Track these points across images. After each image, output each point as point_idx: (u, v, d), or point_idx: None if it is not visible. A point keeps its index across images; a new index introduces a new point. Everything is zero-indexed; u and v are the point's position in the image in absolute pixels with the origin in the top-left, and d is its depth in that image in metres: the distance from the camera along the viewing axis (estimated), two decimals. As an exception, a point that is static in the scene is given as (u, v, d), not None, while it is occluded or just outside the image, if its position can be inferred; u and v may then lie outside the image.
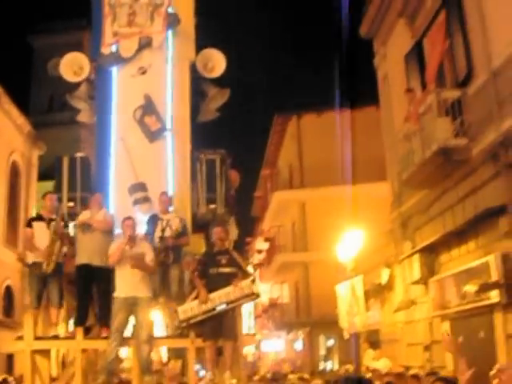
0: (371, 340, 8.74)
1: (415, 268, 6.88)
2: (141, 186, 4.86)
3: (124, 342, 4.29)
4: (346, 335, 8.97)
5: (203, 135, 5.78)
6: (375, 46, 8.88)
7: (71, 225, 4.76)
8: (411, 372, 5.77)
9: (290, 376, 8.76)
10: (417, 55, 7.24)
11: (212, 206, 4.97)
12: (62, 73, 5.50)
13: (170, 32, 5.37)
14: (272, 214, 17.86)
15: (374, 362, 7.65)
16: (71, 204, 4.95)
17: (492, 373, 4.42)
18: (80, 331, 4.36)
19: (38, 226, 4.50)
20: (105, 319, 4.32)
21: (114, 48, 5.38)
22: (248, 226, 23.38)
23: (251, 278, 4.28)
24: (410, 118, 6.54)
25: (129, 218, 4.38)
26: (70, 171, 5.09)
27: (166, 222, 4.57)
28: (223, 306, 4.12)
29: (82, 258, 4.46)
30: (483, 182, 5.48)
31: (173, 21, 5.35)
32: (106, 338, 4.25)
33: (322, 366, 14.45)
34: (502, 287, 5.05)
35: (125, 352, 4.95)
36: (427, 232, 6.83)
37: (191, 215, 5.05)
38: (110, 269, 4.32)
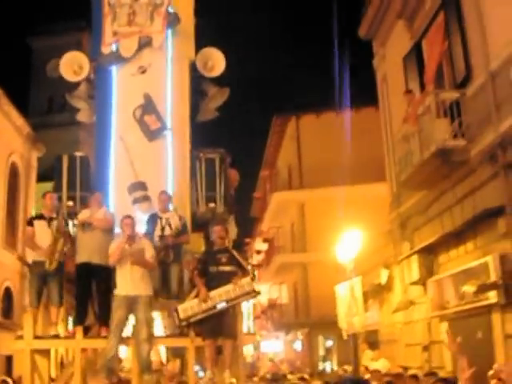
0: (370, 340, 8.74)
1: (414, 268, 6.89)
2: (140, 185, 4.87)
3: (123, 340, 4.29)
4: (345, 336, 8.98)
5: (203, 135, 5.79)
6: (374, 47, 8.92)
7: (71, 224, 4.75)
8: (410, 372, 5.78)
9: (290, 376, 8.76)
10: (415, 56, 7.27)
11: (211, 205, 4.98)
12: (61, 72, 5.50)
13: (169, 31, 5.37)
14: (271, 215, 17.87)
15: (373, 362, 7.66)
16: (71, 203, 4.95)
17: (490, 373, 4.44)
18: (80, 330, 4.35)
19: (39, 225, 4.50)
20: (104, 318, 4.30)
21: (113, 47, 5.39)
22: (247, 227, 23.40)
23: (251, 275, 4.28)
24: (408, 119, 6.57)
25: (127, 216, 4.38)
26: (70, 170, 5.09)
27: (166, 221, 4.57)
28: (223, 304, 4.12)
29: (82, 257, 4.46)
30: (481, 182, 5.51)
31: (173, 20, 5.36)
32: (105, 337, 4.25)
33: (320, 366, 14.44)
34: (500, 288, 5.07)
35: (124, 353, 4.93)
36: (426, 233, 6.85)
37: (191, 214, 5.05)
38: (110, 267, 4.32)
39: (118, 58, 5.37)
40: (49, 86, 21.35)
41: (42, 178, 15.00)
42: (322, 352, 15.32)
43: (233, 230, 5.14)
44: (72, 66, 5.57)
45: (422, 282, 6.79)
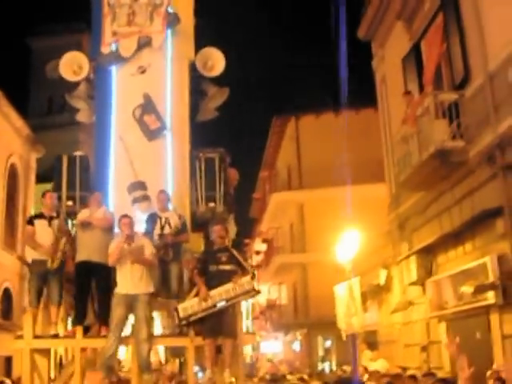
0: (369, 341, 8.76)
1: (412, 269, 6.91)
2: (140, 185, 4.87)
3: (123, 340, 4.28)
4: (344, 336, 8.98)
5: (202, 135, 5.80)
6: (373, 48, 8.95)
7: (70, 223, 4.76)
8: (408, 373, 5.80)
9: (289, 377, 8.77)
10: (414, 57, 7.29)
11: (211, 205, 4.99)
12: (61, 72, 5.50)
13: (169, 31, 5.38)
14: (270, 216, 17.88)
15: (372, 362, 7.68)
16: (70, 203, 4.95)
17: (488, 373, 4.46)
18: (79, 330, 4.35)
19: (40, 224, 4.49)
20: (104, 317, 4.30)
21: (113, 47, 5.40)
22: (246, 227, 23.41)
23: (251, 274, 4.28)
24: (407, 120, 6.59)
25: (125, 216, 4.38)
26: (70, 170, 5.09)
27: (165, 220, 4.57)
28: (223, 303, 4.12)
29: (81, 255, 4.46)
30: (480, 183, 5.53)
31: (172, 20, 5.36)
32: (105, 336, 4.24)
33: (319, 366, 14.44)
34: (498, 288, 5.09)
35: (124, 353, 4.94)
36: (424, 233, 6.87)
37: (190, 214, 5.05)
38: (110, 266, 4.32)
39: (117, 57, 5.38)
40: (48, 87, 21.38)
41: (41, 179, 14.99)
42: (321, 352, 15.32)
43: (232, 230, 5.15)
44: (72, 66, 5.57)
45: (420, 282, 6.81)
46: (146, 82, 5.26)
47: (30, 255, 4.53)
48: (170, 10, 5.41)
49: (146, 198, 4.81)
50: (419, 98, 6.67)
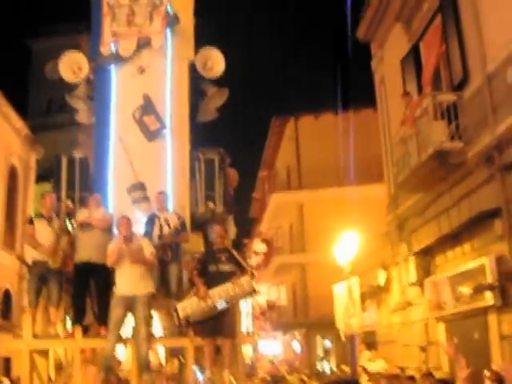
0: (368, 341, 8.77)
1: (411, 270, 6.93)
2: (140, 186, 4.89)
3: (122, 340, 4.29)
4: (343, 337, 9.00)
5: (202, 135, 5.81)
6: (372, 49, 8.96)
7: (69, 224, 4.76)
8: (407, 373, 5.81)
9: (289, 377, 8.78)
10: (413, 59, 7.31)
11: (211, 205, 5.00)
12: (60, 73, 5.51)
13: (169, 32, 5.38)
14: (270, 216, 17.90)
15: (371, 362, 7.69)
16: (69, 203, 4.96)
17: (486, 374, 4.48)
18: (79, 330, 4.36)
19: (40, 224, 4.51)
20: (103, 317, 4.31)
21: (112, 48, 5.40)
22: (246, 228, 23.41)
23: (251, 274, 4.29)
24: (406, 122, 6.61)
25: (123, 217, 4.38)
26: (69, 171, 5.11)
27: (164, 220, 4.58)
28: (223, 303, 4.12)
29: (81, 256, 4.47)
30: (478, 184, 5.54)
31: (172, 20, 5.37)
32: (104, 336, 4.25)
33: (319, 367, 14.45)
34: (497, 289, 5.11)
35: (123, 353, 4.94)
36: (423, 234, 6.89)
37: (190, 214, 5.07)
38: (109, 266, 4.33)
39: (117, 58, 5.39)
40: (47, 88, 21.36)
41: (40, 179, 15.00)
42: (320, 352, 15.33)
43: (232, 230, 5.16)
44: (71, 66, 5.58)
45: (419, 283, 6.82)
46: (146, 82, 5.27)
47: (30, 256, 4.54)
48: (170, 11, 5.42)
49: (145, 198, 4.83)
50: (418, 99, 6.69)
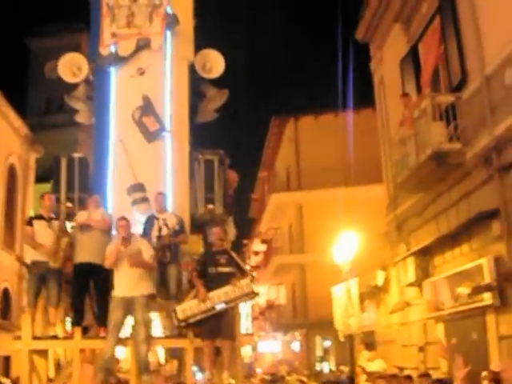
0: (367, 341, 8.79)
1: (410, 270, 6.95)
2: (139, 187, 4.89)
3: (122, 341, 4.30)
4: (341, 337, 9.02)
5: (201, 135, 5.82)
6: (372, 50, 8.98)
7: (69, 225, 4.77)
8: (405, 373, 5.83)
9: (288, 378, 8.80)
10: (412, 60, 7.33)
11: (210, 206, 5.00)
12: (60, 73, 5.51)
13: (168, 32, 5.38)
14: (269, 216, 17.91)
15: (369, 363, 7.71)
16: (69, 204, 4.97)
17: (484, 374, 4.50)
18: (78, 331, 4.37)
19: (39, 225, 4.51)
20: (103, 319, 4.32)
21: (112, 49, 5.41)
22: (245, 228, 23.44)
23: (250, 276, 4.31)
24: (404, 122, 6.63)
25: (122, 218, 4.39)
26: (68, 171, 5.11)
27: (163, 221, 4.58)
28: (222, 305, 4.13)
29: (80, 257, 4.47)
30: (476, 185, 5.57)
31: (171, 21, 5.37)
32: (104, 337, 4.26)
33: (318, 367, 14.47)
34: (495, 289, 5.13)
35: (122, 353, 4.95)
36: (422, 235, 6.91)
37: (189, 215, 5.06)
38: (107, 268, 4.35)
39: (116, 59, 5.39)
40: (47, 87, 21.36)
41: (40, 179, 15.01)
42: (319, 353, 15.35)
43: (231, 232, 5.16)
44: (70, 67, 5.58)
45: (417, 283, 6.84)
46: (145, 83, 5.27)
47: (29, 256, 4.55)
48: (170, 12, 5.43)
49: (144, 199, 4.83)
50: (416, 100, 6.71)
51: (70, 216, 4.84)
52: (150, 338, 4.26)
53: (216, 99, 5.71)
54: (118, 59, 5.40)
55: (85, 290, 4.48)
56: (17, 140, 14.98)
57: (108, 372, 4.19)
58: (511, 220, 5.02)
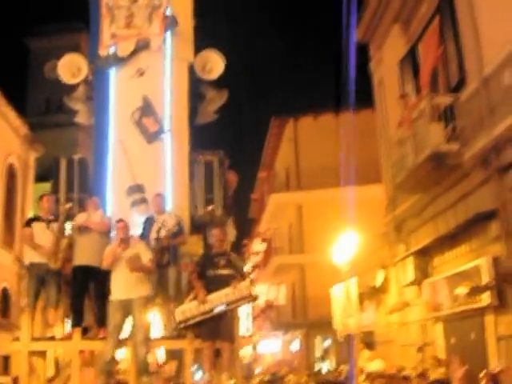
0: (366, 341, 8.81)
1: (409, 270, 6.96)
2: (138, 188, 4.90)
3: (121, 343, 4.31)
4: (340, 337, 9.03)
5: (200, 136, 5.82)
6: (371, 51, 8.98)
7: (68, 226, 4.78)
8: (403, 373, 5.85)
9: (288, 378, 8.81)
10: (411, 60, 7.34)
11: (210, 208, 5.01)
12: (59, 74, 5.52)
13: (168, 33, 5.38)
14: (269, 216, 17.92)
15: (369, 362, 7.73)
16: (68, 205, 4.98)
17: (481, 374, 4.51)
18: (77, 332, 4.38)
19: (38, 227, 4.52)
20: (102, 320, 4.33)
21: (111, 50, 5.42)
22: (245, 228, 23.46)
23: (249, 279, 4.31)
24: (403, 123, 6.64)
25: (121, 220, 4.40)
26: (68, 172, 5.12)
27: (161, 223, 4.59)
28: (221, 308, 4.14)
29: (78, 259, 4.48)
30: (475, 186, 5.58)
31: (171, 22, 5.37)
32: (103, 338, 4.27)
33: (318, 366, 14.49)
34: (493, 290, 5.14)
35: (121, 353, 4.96)
36: (421, 235, 6.92)
37: (189, 217, 5.07)
38: (105, 269, 4.35)
39: (116, 60, 5.40)
40: (46, 87, 21.38)
41: (39, 178, 15.02)
42: (319, 352, 15.37)
43: (231, 233, 5.17)
44: (70, 68, 5.58)
45: (416, 283, 6.86)
46: (145, 84, 5.28)
47: (29, 258, 4.55)
48: (169, 12, 5.43)
49: (144, 200, 4.84)
50: (415, 100, 6.72)
51: (70, 217, 4.84)
52: (148, 340, 4.27)
53: (216, 100, 5.71)
54: (118, 60, 5.40)
55: (84, 291, 4.49)
56: (16, 140, 14.98)
57: (108, 374, 4.19)
58: (509, 220, 5.03)
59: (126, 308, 4.20)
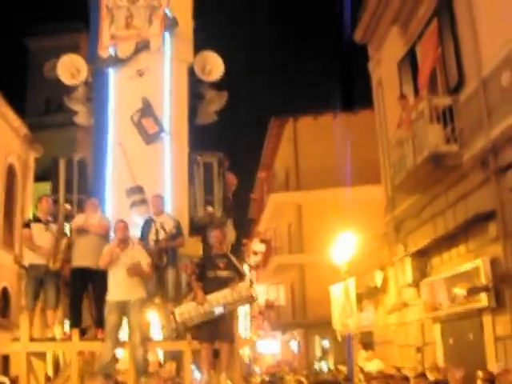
0: (365, 341, 8.83)
1: (408, 271, 6.98)
2: (138, 189, 4.90)
3: (119, 343, 4.32)
4: (339, 337, 9.05)
5: (201, 136, 5.83)
6: (370, 52, 9.00)
7: (67, 227, 4.79)
8: (402, 373, 5.87)
9: (287, 378, 8.83)
10: (410, 62, 7.35)
11: (210, 209, 5.01)
12: (59, 75, 5.52)
13: (167, 34, 5.38)
14: (268, 216, 17.93)
15: (367, 362, 7.75)
16: (68, 206, 4.99)
17: (479, 375, 4.53)
18: (76, 333, 4.38)
19: (37, 228, 4.52)
20: (101, 321, 4.34)
21: (111, 51, 5.42)
22: (244, 228, 23.48)
23: (249, 280, 4.32)
24: (402, 124, 6.66)
25: (120, 221, 4.40)
26: (67, 173, 5.12)
27: (160, 224, 4.59)
28: (221, 309, 4.14)
29: (77, 261, 4.49)
30: (473, 187, 5.60)
31: (171, 23, 5.37)
32: (102, 339, 4.28)
33: (317, 366, 14.51)
34: (491, 291, 5.16)
35: (121, 353, 4.97)
36: (419, 236, 6.94)
37: (189, 218, 5.07)
38: (106, 271, 4.36)
39: (115, 61, 5.40)
40: (46, 87, 21.33)
41: (39, 178, 15.02)
42: (318, 352, 15.39)
43: (231, 234, 5.18)
44: (69, 69, 5.58)
45: (415, 284, 6.88)
46: (145, 85, 5.27)
47: (28, 259, 4.55)
48: (169, 13, 5.43)
49: (143, 201, 4.85)
50: (414, 102, 6.74)
51: (69, 218, 4.85)
52: (145, 341, 4.27)
53: (215, 101, 5.72)
54: (117, 61, 5.41)
55: (82, 292, 4.50)
56: (16, 140, 14.98)
57: (107, 376, 4.20)
58: (507, 222, 5.05)
59: (122, 309, 4.21)
